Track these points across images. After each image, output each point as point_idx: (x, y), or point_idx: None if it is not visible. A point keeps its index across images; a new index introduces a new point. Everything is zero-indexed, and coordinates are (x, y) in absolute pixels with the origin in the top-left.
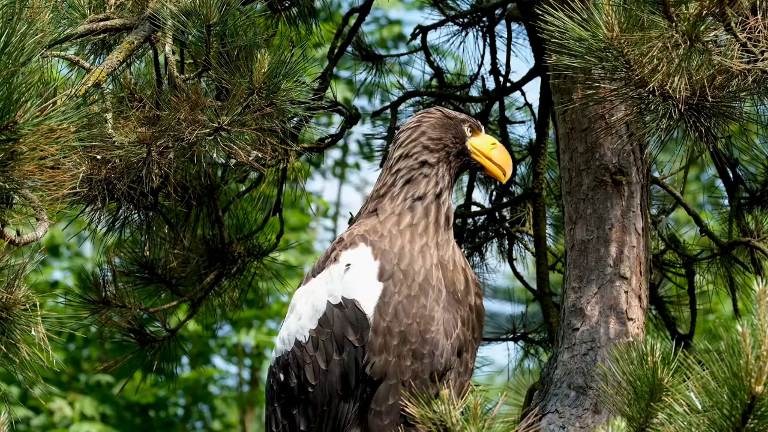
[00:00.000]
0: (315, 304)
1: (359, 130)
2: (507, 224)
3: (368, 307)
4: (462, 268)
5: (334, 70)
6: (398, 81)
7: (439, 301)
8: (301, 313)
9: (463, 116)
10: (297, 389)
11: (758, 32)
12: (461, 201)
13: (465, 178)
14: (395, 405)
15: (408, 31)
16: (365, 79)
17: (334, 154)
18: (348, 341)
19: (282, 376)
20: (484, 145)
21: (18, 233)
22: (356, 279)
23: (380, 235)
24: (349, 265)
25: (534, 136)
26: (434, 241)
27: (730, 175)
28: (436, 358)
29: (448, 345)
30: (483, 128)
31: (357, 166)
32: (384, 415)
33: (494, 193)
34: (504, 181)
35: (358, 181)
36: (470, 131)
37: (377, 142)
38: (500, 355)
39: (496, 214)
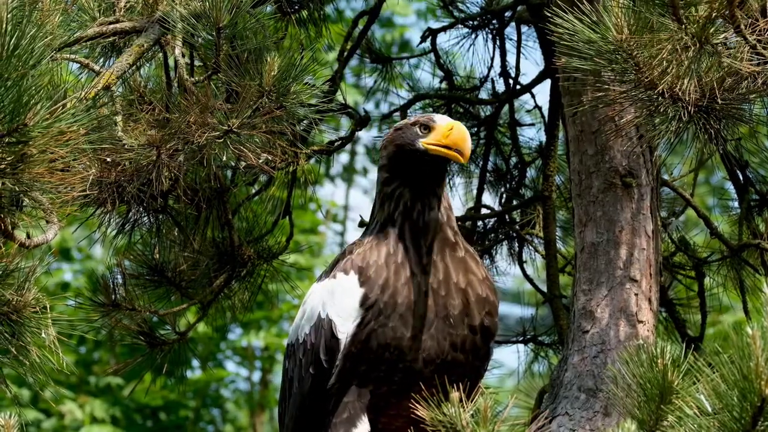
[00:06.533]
0: (314, 308)
1: (368, 135)
2: (517, 227)
3: (342, 333)
4: (460, 290)
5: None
6: (407, 84)
7: (423, 330)
8: (305, 311)
9: (412, 119)
10: (288, 384)
11: None
12: (471, 204)
13: (474, 181)
14: (350, 418)
15: (416, 35)
16: (375, 82)
17: (343, 158)
18: (319, 358)
19: (286, 363)
20: (438, 137)
21: (28, 236)
22: (340, 302)
23: (368, 263)
24: (340, 286)
25: (544, 138)
26: (419, 267)
27: (740, 177)
28: (406, 383)
29: (427, 372)
30: (438, 119)
31: (365, 171)
32: (339, 425)
33: (504, 195)
34: (463, 162)
35: (367, 184)
36: (423, 130)
37: None
38: (510, 357)
39: (506, 217)
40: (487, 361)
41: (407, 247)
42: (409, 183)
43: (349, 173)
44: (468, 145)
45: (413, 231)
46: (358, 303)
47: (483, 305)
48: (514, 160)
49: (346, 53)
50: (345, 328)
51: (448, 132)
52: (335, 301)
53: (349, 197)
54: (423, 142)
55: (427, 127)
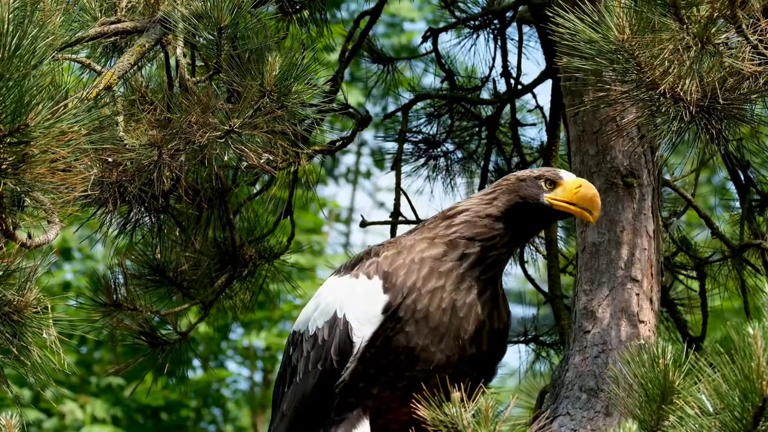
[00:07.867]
0: (329, 304)
1: (374, 139)
2: None
3: (359, 337)
4: (478, 319)
5: (345, 75)
6: (409, 83)
7: (434, 341)
8: (320, 304)
9: (537, 173)
10: (290, 372)
11: None
12: None
13: (476, 180)
14: (351, 418)
15: (418, 36)
16: (376, 82)
17: (348, 160)
18: (330, 357)
19: (291, 350)
20: (565, 194)
21: (29, 236)
22: (361, 307)
23: (397, 266)
24: (362, 289)
25: (545, 138)
26: (453, 285)
27: (741, 177)
28: (410, 390)
29: (431, 383)
30: (564, 175)
31: (368, 173)
32: (340, 424)
33: None
34: (593, 222)
35: (370, 186)
36: (548, 185)
37: (388, 145)
38: (511, 357)
39: None
40: (492, 377)
41: (459, 265)
42: (514, 229)
43: (354, 174)
44: (598, 204)
45: (479, 261)
46: (380, 310)
47: (495, 337)
48: (515, 160)
49: (347, 53)
50: (362, 333)
51: (576, 189)
52: (355, 304)
53: (354, 199)
54: (548, 198)
55: (553, 183)
